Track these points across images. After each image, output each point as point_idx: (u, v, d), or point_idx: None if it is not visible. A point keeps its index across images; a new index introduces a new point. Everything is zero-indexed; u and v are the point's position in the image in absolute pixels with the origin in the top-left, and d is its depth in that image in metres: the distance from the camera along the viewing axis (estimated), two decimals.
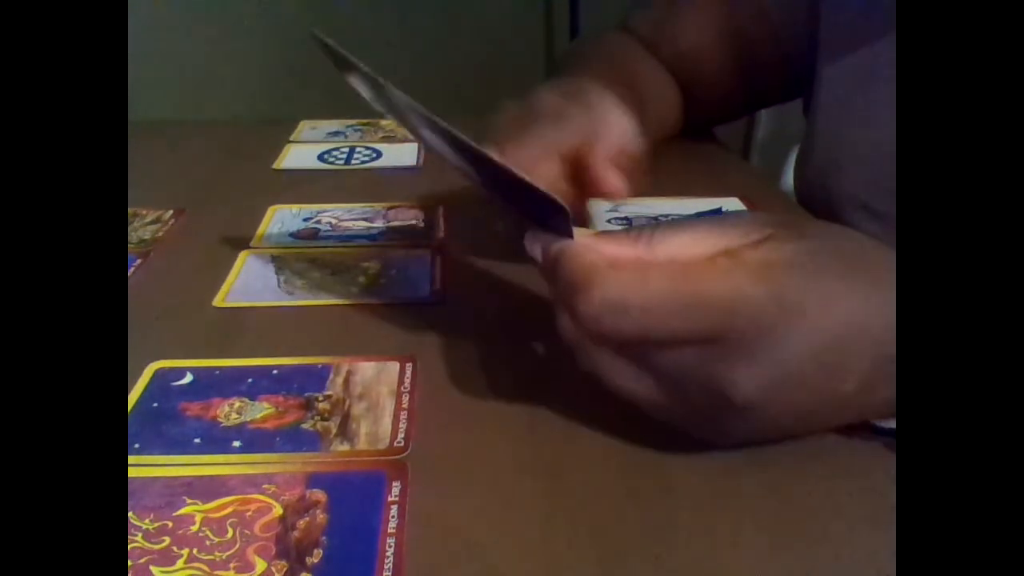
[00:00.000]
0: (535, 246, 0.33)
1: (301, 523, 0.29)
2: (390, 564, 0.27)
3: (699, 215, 0.57)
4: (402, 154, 0.71)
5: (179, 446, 0.33)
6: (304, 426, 0.34)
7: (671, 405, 0.30)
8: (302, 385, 0.37)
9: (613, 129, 0.46)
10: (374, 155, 0.71)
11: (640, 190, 0.44)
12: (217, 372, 0.38)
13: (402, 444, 0.33)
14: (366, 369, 0.38)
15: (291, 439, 0.34)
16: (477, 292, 0.46)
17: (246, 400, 0.36)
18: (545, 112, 0.46)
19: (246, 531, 0.29)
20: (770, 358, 0.28)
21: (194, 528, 0.29)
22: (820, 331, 0.28)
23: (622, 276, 0.29)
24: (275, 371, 0.38)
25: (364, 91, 0.39)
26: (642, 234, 0.31)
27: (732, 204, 0.59)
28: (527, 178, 0.31)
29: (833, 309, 0.29)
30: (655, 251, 0.31)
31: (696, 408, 0.30)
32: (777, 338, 0.28)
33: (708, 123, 0.75)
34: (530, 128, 0.45)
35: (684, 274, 0.29)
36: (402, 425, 0.34)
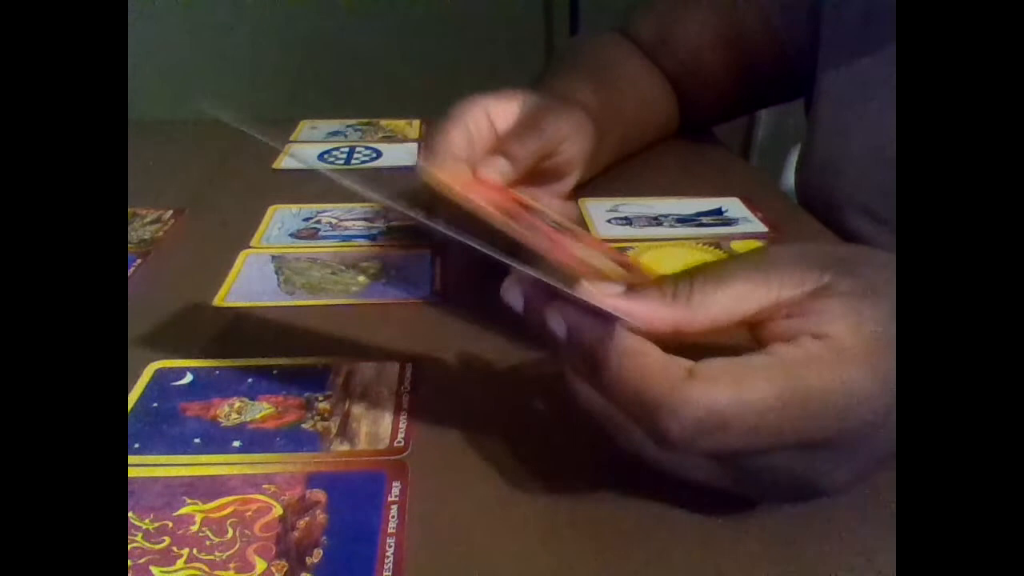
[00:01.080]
0: (556, 320, 0.27)
1: (301, 523, 0.29)
2: (390, 564, 0.27)
3: (699, 215, 0.57)
4: (402, 154, 0.71)
5: (179, 446, 0.33)
6: (304, 426, 0.34)
7: (747, 491, 0.28)
8: (302, 385, 0.37)
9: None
10: (374, 155, 0.71)
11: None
12: (217, 372, 0.38)
13: (402, 444, 0.33)
14: (366, 369, 0.38)
15: (291, 439, 0.34)
16: (477, 292, 0.46)
17: (246, 400, 0.36)
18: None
19: (246, 531, 0.29)
20: (870, 451, 0.26)
21: (194, 528, 0.29)
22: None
23: (714, 390, 0.24)
24: (275, 371, 0.38)
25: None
26: (678, 291, 0.27)
27: (732, 204, 0.59)
28: (566, 290, 0.26)
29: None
30: (696, 314, 0.27)
31: (776, 494, 0.28)
32: (879, 431, 0.25)
33: (707, 123, 0.75)
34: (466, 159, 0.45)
35: (786, 378, 0.25)
36: (402, 425, 0.34)
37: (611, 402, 0.27)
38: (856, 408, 0.25)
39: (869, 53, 0.56)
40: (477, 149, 0.45)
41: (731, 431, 0.24)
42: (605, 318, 0.26)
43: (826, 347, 0.25)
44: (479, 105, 0.47)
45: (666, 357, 0.26)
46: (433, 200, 0.36)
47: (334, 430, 0.34)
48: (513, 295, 0.28)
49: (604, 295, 0.27)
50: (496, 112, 0.47)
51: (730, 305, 0.27)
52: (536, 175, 0.46)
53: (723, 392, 0.24)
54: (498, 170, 0.42)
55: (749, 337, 0.28)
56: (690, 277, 0.27)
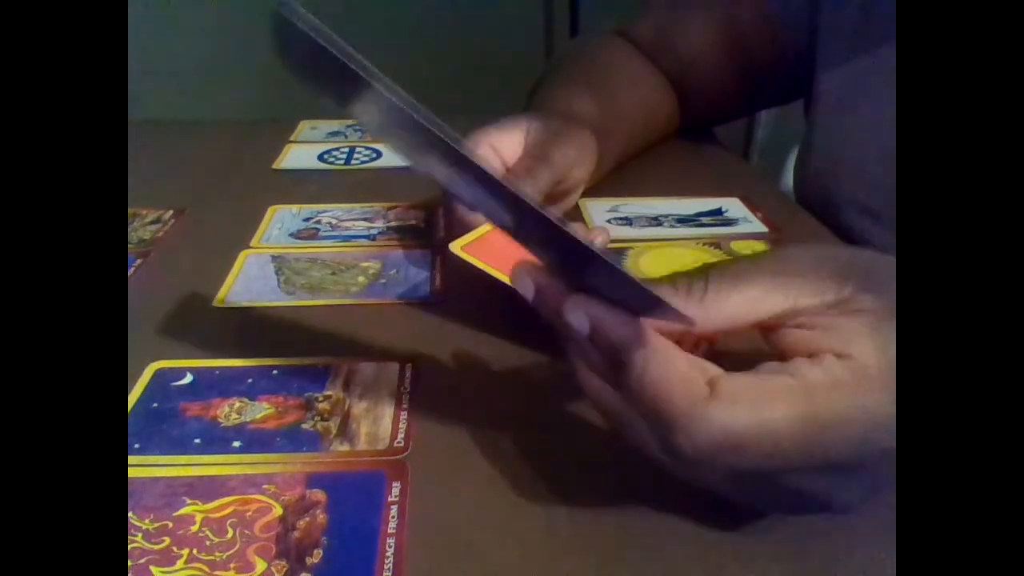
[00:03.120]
0: (578, 314, 0.26)
1: (301, 523, 0.29)
2: (390, 564, 0.27)
3: (699, 215, 0.57)
4: None
5: (179, 446, 0.33)
6: (304, 426, 0.34)
7: (754, 503, 0.28)
8: (302, 385, 0.37)
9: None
10: (374, 155, 0.71)
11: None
12: (217, 372, 0.38)
13: (402, 444, 0.33)
14: (366, 369, 0.38)
15: (291, 439, 0.34)
16: (477, 292, 0.46)
17: (246, 400, 0.36)
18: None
19: (246, 531, 0.29)
20: (886, 472, 0.25)
21: (194, 528, 0.29)
22: None
23: (733, 412, 0.24)
24: (275, 371, 0.38)
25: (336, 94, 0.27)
26: (692, 289, 0.27)
27: (732, 204, 0.59)
28: (609, 260, 0.24)
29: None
30: (710, 314, 0.26)
31: (784, 509, 0.28)
32: (893, 455, 0.24)
33: (708, 124, 0.75)
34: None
35: (808, 403, 0.24)
36: (402, 425, 0.34)
37: (626, 402, 0.26)
38: (875, 434, 0.24)
39: (868, 53, 0.56)
40: None
41: (746, 454, 0.24)
42: (632, 314, 0.26)
43: (849, 370, 0.25)
44: (484, 142, 0.47)
45: (690, 367, 0.25)
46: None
47: (334, 430, 0.34)
48: (524, 284, 0.27)
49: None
50: (502, 146, 0.47)
51: (745, 308, 0.26)
52: (543, 200, 0.46)
53: (742, 415, 0.24)
54: None
55: (760, 338, 0.28)
56: (705, 276, 0.27)
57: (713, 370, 0.26)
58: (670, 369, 0.25)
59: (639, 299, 0.25)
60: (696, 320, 0.26)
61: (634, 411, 0.26)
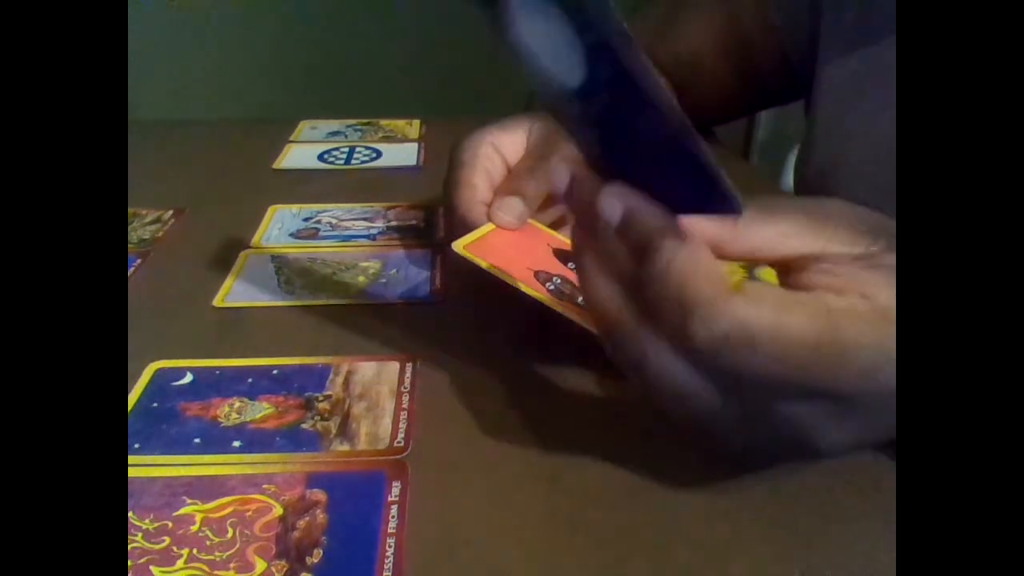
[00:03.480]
0: (612, 202, 0.26)
1: (301, 523, 0.29)
2: (390, 564, 0.27)
3: None
4: (402, 154, 0.71)
5: (179, 446, 0.33)
6: (304, 426, 0.34)
7: (738, 434, 0.28)
8: (302, 385, 0.37)
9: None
10: (374, 155, 0.71)
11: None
12: (217, 372, 0.38)
13: (402, 444, 0.33)
14: (366, 369, 0.38)
15: (291, 439, 0.34)
16: (477, 292, 0.46)
17: (246, 400, 0.36)
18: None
19: (246, 531, 0.29)
20: (879, 419, 0.26)
21: (194, 528, 0.29)
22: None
23: (755, 309, 0.24)
24: (275, 371, 0.38)
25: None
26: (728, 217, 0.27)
27: None
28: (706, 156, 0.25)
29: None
30: (738, 237, 0.27)
31: (767, 445, 0.28)
32: (892, 399, 0.25)
33: (708, 123, 0.75)
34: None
35: (828, 321, 0.24)
36: (402, 425, 0.34)
37: (645, 295, 0.26)
38: (884, 370, 0.24)
39: (869, 53, 0.56)
40: (492, 188, 0.45)
41: (758, 353, 0.24)
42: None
43: (871, 307, 0.25)
44: (487, 142, 0.47)
45: (719, 264, 0.25)
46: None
47: (334, 430, 0.34)
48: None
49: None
50: (505, 146, 0.47)
51: (774, 240, 0.27)
52: (544, 202, 0.46)
53: (764, 313, 0.24)
54: (514, 214, 0.43)
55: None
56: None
57: (741, 277, 0.26)
58: (700, 258, 0.25)
59: (694, 185, 0.26)
60: (726, 240, 0.26)
61: (644, 314, 0.26)
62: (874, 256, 0.26)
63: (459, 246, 0.39)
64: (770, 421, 0.26)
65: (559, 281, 0.38)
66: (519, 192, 0.44)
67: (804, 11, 0.62)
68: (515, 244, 0.42)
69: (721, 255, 0.27)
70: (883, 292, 0.26)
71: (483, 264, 0.38)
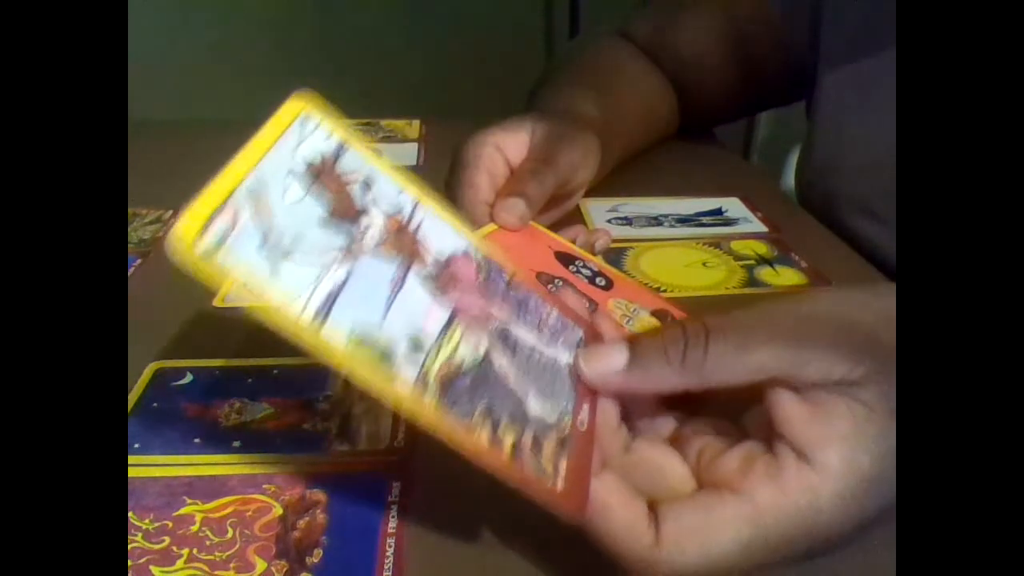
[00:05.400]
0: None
1: (301, 523, 0.29)
2: (390, 564, 0.27)
3: (699, 215, 0.57)
4: (402, 154, 0.71)
5: (179, 446, 0.33)
6: (304, 426, 0.34)
7: None
8: (302, 386, 0.37)
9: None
10: None
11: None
12: (217, 372, 0.38)
13: (402, 444, 0.33)
14: None
15: (291, 439, 0.34)
16: None
17: (246, 400, 0.36)
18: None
19: (246, 531, 0.29)
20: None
21: (194, 528, 0.29)
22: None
23: (680, 559, 0.24)
24: (275, 371, 0.38)
25: None
26: (688, 356, 0.25)
27: (732, 204, 0.59)
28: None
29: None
30: (708, 379, 0.25)
31: None
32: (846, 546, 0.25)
33: (709, 124, 0.75)
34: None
35: (753, 528, 0.24)
36: (402, 425, 0.34)
37: None
38: (821, 546, 0.25)
39: (870, 54, 0.56)
40: (494, 189, 0.45)
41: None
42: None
43: (804, 486, 0.24)
44: (490, 143, 0.47)
45: (632, 514, 0.25)
46: None
47: (334, 430, 0.34)
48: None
49: (607, 372, 0.27)
50: (508, 147, 0.47)
51: (748, 374, 0.25)
52: (546, 204, 0.47)
53: (691, 558, 0.24)
54: (517, 215, 0.43)
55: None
56: (705, 338, 0.25)
57: (657, 510, 0.25)
58: (611, 523, 0.25)
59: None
60: (694, 386, 0.26)
61: None
62: (852, 385, 0.24)
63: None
64: None
65: (560, 284, 0.38)
66: (522, 193, 0.44)
67: (805, 10, 0.62)
68: (517, 245, 0.42)
69: (688, 390, 0.26)
70: (829, 450, 0.24)
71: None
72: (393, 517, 0.29)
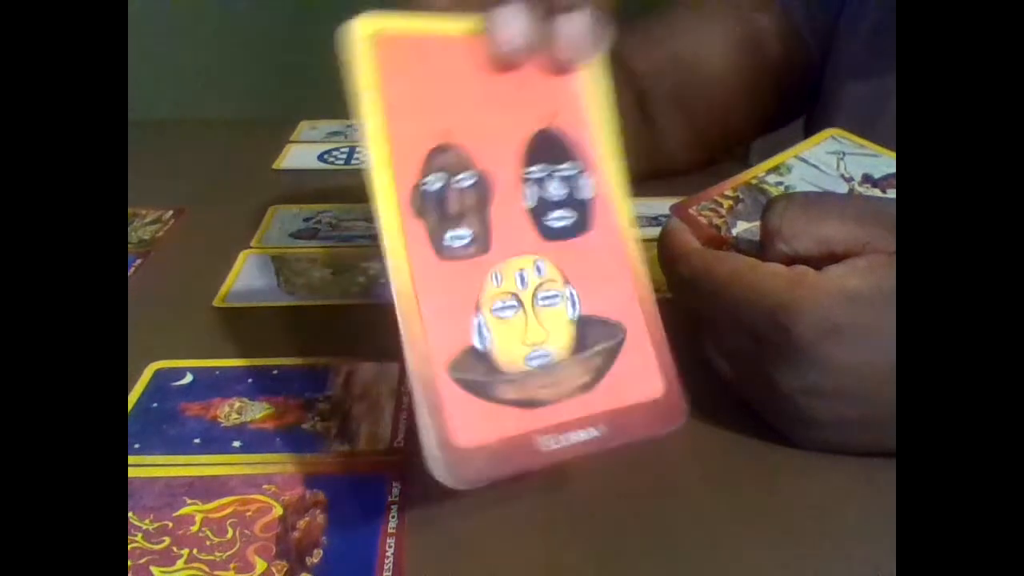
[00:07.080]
0: None
1: (301, 523, 0.29)
2: (390, 564, 0.27)
3: None
4: None
5: (179, 446, 0.33)
6: (304, 426, 0.34)
7: (739, 384, 0.33)
8: (302, 385, 0.37)
9: None
10: None
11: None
12: (217, 372, 0.38)
13: (402, 444, 0.33)
14: (366, 370, 0.38)
15: (291, 439, 0.34)
16: None
17: (246, 400, 0.36)
18: None
19: (246, 531, 0.29)
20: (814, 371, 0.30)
21: (194, 528, 0.29)
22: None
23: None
24: (275, 371, 0.38)
25: None
26: (769, 219, 0.32)
27: None
28: None
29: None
30: (785, 240, 0.32)
31: (757, 395, 0.33)
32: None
33: (721, 149, 0.71)
34: None
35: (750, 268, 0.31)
36: (402, 425, 0.34)
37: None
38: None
39: (878, 66, 0.56)
40: None
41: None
42: None
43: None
44: None
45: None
46: None
47: (334, 430, 0.34)
48: None
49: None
50: None
51: (812, 246, 0.31)
52: None
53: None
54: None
55: None
56: (785, 207, 0.32)
57: None
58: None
59: None
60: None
61: None
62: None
63: None
64: (734, 359, 0.32)
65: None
66: None
67: (828, 24, 0.61)
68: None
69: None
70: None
71: None
72: (393, 517, 0.29)
